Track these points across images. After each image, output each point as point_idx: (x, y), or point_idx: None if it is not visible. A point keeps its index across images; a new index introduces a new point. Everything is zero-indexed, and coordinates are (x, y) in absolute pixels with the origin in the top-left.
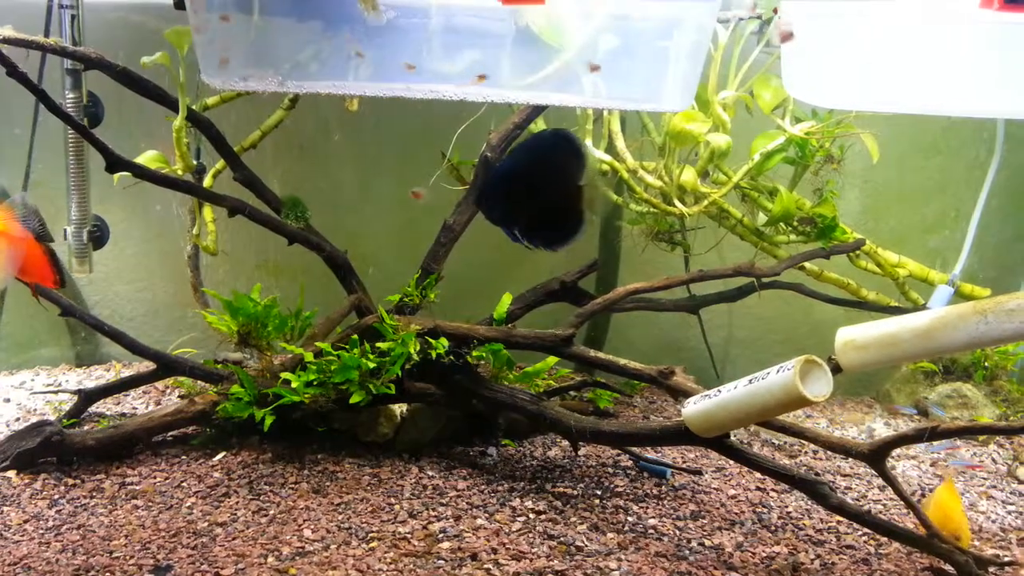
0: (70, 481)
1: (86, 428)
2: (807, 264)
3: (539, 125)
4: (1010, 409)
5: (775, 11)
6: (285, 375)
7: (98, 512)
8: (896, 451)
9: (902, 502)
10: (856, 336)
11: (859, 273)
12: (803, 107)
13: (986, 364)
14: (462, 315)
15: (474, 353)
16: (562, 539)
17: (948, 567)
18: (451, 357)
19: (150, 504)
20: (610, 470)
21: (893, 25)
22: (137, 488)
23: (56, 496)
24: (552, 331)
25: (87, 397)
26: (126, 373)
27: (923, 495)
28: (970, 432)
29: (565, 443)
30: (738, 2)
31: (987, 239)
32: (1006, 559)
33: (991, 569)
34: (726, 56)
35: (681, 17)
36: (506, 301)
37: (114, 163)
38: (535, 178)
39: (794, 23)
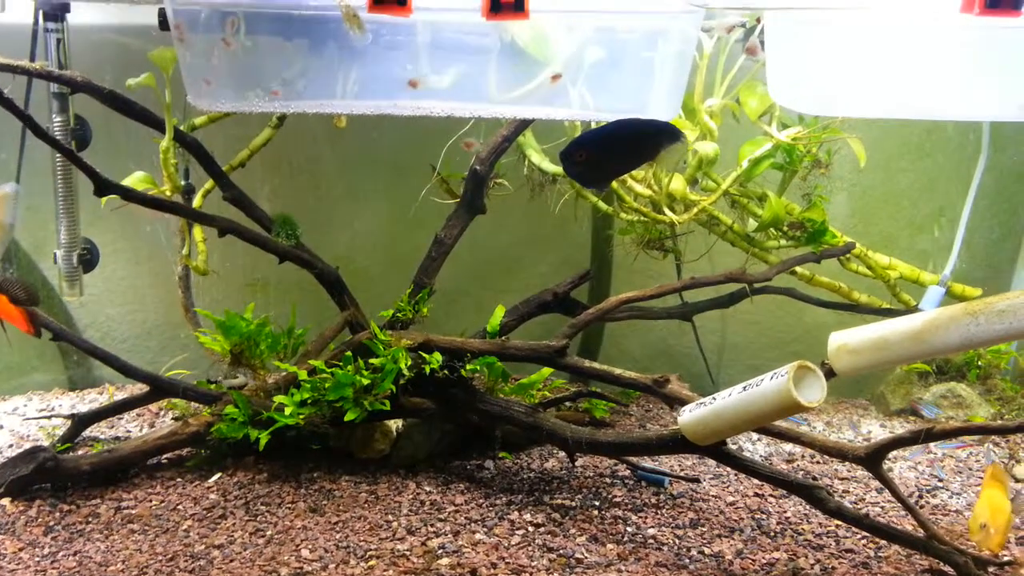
0: (65, 507)
1: (80, 453)
2: (798, 268)
3: (527, 136)
4: (1004, 407)
5: (758, 20)
6: (279, 398)
7: (94, 538)
8: (892, 452)
9: (900, 504)
10: (849, 340)
11: (850, 276)
12: (790, 113)
13: (979, 363)
14: (456, 328)
15: (468, 366)
16: (561, 551)
17: (947, 568)
18: (445, 371)
19: (146, 528)
20: (608, 480)
21: (875, 31)
22: (133, 512)
23: (51, 523)
24: (546, 342)
25: (81, 422)
26: (120, 396)
27: (920, 496)
28: (966, 433)
29: (562, 454)
30: (722, 12)
31: (976, 239)
32: (1005, 558)
33: (990, 569)
34: (711, 64)
35: (665, 28)
36: (499, 313)
37: (102, 187)
38: (628, 149)
39: (758, 43)
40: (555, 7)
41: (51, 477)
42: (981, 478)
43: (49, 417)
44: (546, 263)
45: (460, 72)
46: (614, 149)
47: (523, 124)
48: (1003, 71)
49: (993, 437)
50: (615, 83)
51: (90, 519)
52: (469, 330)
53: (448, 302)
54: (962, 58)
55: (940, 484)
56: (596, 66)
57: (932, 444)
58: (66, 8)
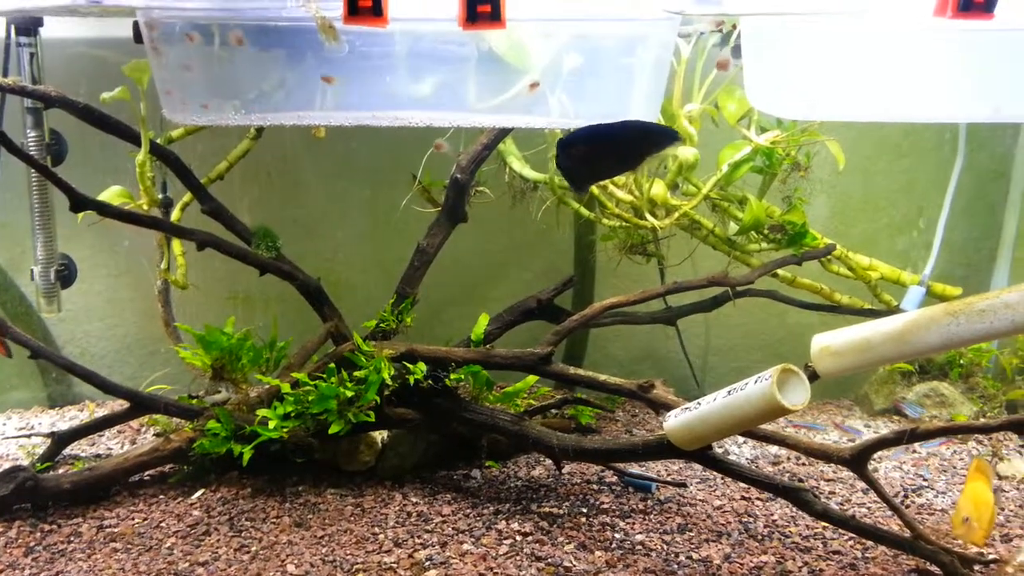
0: (46, 527)
1: (60, 471)
2: (780, 271)
3: (508, 144)
4: (986, 405)
5: (734, 27)
6: (262, 412)
7: (76, 558)
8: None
9: (885, 505)
10: (831, 342)
11: (831, 277)
12: (768, 117)
13: (961, 362)
14: (440, 338)
15: (453, 376)
16: (550, 560)
17: (934, 568)
18: (430, 381)
19: (129, 546)
20: (595, 487)
21: (850, 35)
22: (115, 531)
23: (32, 543)
24: (530, 350)
25: (60, 440)
26: (100, 412)
27: (905, 496)
28: (949, 432)
29: (549, 462)
30: (699, 17)
31: (955, 238)
32: (990, 556)
33: (976, 567)
34: (689, 69)
35: (643, 34)
36: (483, 322)
37: (79, 203)
38: (623, 149)
39: (730, 57)
40: (532, 15)
41: (31, 497)
42: (965, 476)
43: (29, 436)
44: (529, 270)
45: (438, 82)
46: (611, 148)
47: (503, 132)
48: (976, 74)
49: (976, 435)
50: (594, 90)
51: (72, 538)
52: (453, 339)
53: (432, 311)
54: (936, 61)
55: (925, 483)
56: (574, 73)
57: (916, 443)
58: (39, 22)
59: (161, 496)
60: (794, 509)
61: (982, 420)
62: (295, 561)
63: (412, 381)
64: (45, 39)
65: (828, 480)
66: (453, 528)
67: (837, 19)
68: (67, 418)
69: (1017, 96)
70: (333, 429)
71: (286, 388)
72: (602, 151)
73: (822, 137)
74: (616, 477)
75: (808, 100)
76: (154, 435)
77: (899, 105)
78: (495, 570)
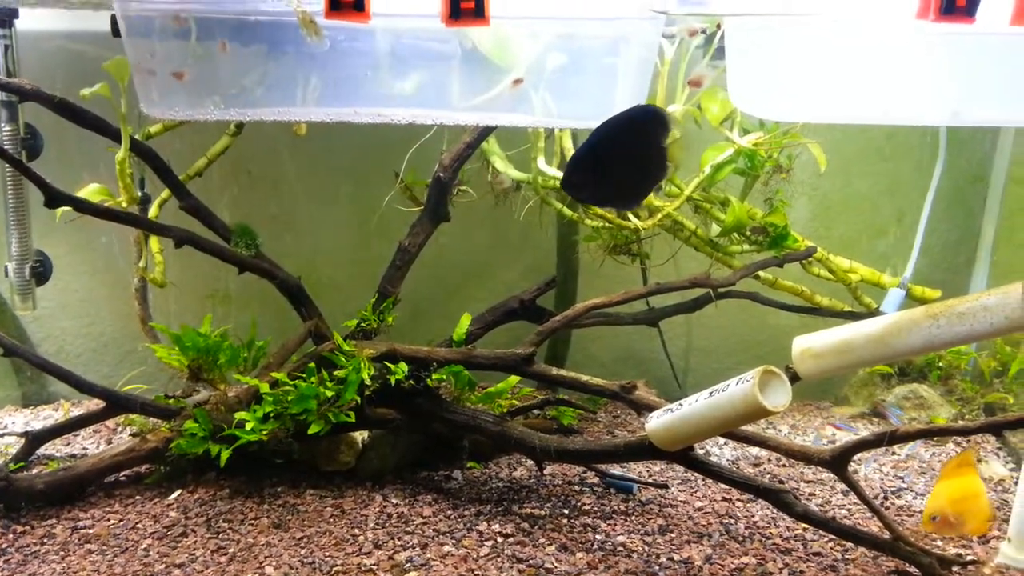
0: (19, 528)
1: (34, 471)
2: (761, 273)
3: (491, 143)
4: (965, 408)
5: (718, 27)
6: (240, 415)
7: (49, 559)
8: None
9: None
10: (812, 344)
11: (812, 280)
12: (751, 119)
13: (940, 365)
14: (422, 337)
15: (434, 376)
16: (531, 562)
17: (913, 569)
18: (411, 381)
19: (104, 548)
20: (577, 488)
21: (834, 37)
22: (90, 532)
23: (4, 545)
24: (512, 350)
25: (34, 439)
26: (75, 412)
27: (885, 498)
28: (928, 435)
29: (531, 463)
30: (683, 18)
31: (935, 241)
32: (969, 558)
33: (955, 569)
34: (673, 70)
35: (627, 34)
36: (465, 322)
37: (53, 198)
38: (623, 149)
39: (706, 74)
40: (516, 13)
41: (4, 497)
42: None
43: (2, 435)
44: (512, 270)
45: (421, 79)
46: (612, 153)
47: (486, 131)
48: (942, 77)
49: (954, 437)
50: (578, 89)
51: (45, 540)
52: (435, 339)
53: (414, 311)
54: (920, 63)
55: (904, 486)
56: (558, 72)
57: (895, 445)
58: (14, 14)
59: (137, 497)
60: (775, 510)
61: (961, 422)
62: (273, 563)
63: (393, 381)
64: (20, 31)
65: (808, 482)
66: (434, 529)
67: (820, 20)
68: (41, 417)
69: (977, 99)
70: (313, 429)
71: (265, 388)
72: (605, 161)
73: (804, 139)
74: (598, 478)
75: (791, 101)
76: (130, 435)
77: (880, 108)
78: (476, 572)
